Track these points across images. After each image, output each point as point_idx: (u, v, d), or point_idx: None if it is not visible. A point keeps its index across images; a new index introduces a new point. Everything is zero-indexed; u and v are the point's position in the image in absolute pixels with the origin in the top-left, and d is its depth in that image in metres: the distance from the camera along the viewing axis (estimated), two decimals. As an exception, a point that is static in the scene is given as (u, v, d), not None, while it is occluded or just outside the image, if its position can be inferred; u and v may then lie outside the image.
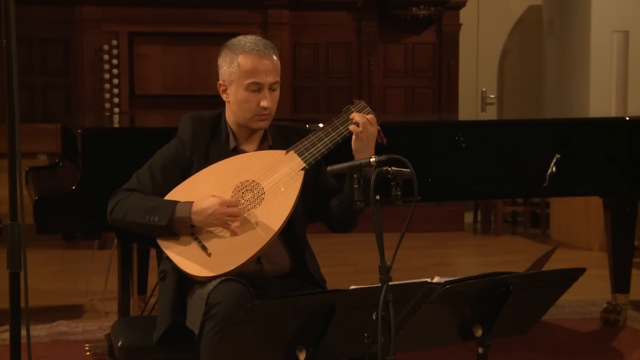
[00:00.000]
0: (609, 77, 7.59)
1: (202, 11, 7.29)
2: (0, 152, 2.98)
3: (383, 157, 2.56)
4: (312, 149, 2.90)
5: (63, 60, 7.36)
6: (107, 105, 7.14)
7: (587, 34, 7.53)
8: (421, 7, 7.58)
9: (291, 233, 2.93)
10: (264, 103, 2.87)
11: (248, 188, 2.85)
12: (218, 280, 2.72)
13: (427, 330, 2.46)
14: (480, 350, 2.53)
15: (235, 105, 2.91)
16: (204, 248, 2.77)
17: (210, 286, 2.70)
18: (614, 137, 4.38)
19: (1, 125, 2.90)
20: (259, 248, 2.77)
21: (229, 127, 2.97)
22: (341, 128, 2.92)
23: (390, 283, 2.25)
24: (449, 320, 2.50)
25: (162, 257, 2.99)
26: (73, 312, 4.98)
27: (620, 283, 4.60)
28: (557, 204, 7.44)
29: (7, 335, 3.11)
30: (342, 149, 2.91)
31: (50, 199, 3.58)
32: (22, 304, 2.44)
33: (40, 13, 7.18)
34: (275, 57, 2.90)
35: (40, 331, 4.49)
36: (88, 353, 4.08)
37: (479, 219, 8.19)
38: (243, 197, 2.84)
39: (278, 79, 2.91)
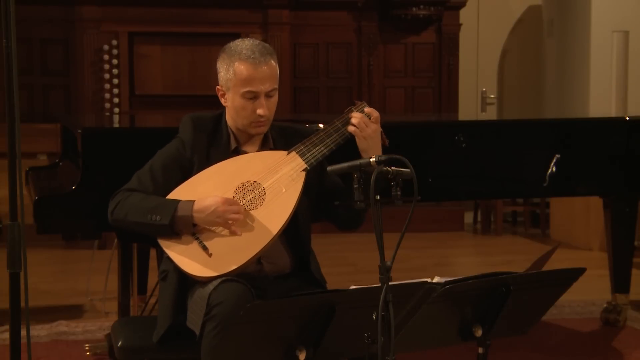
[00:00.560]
0: (609, 77, 7.59)
1: (202, 11, 7.29)
2: (0, 152, 2.98)
3: (383, 157, 2.56)
4: (314, 150, 2.89)
5: (63, 60, 7.36)
6: (107, 105, 7.14)
7: (587, 34, 7.53)
8: (421, 7, 7.58)
9: (294, 234, 2.93)
10: (259, 111, 2.86)
11: (249, 189, 2.85)
12: (219, 280, 2.71)
13: (427, 330, 2.46)
14: (480, 350, 2.53)
15: (233, 111, 2.91)
16: (204, 248, 2.77)
17: (211, 286, 2.70)
18: (614, 137, 4.37)
19: (1, 125, 2.90)
20: (260, 249, 2.77)
21: (230, 128, 2.97)
22: (343, 129, 2.91)
23: (390, 283, 2.25)
24: (449, 320, 2.50)
25: (162, 257, 2.99)
26: (73, 312, 4.98)
27: (620, 283, 4.60)
28: (557, 204, 7.44)
29: (7, 335, 3.11)
30: (347, 149, 2.90)
31: (50, 199, 3.58)
32: (22, 304, 2.44)
33: (40, 13, 7.18)
34: (273, 63, 2.87)
35: (40, 331, 4.49)
36: (88, 353, 4.08)
37: (479, 219, 8.19)
38: (244, 198, 2.83)
39: (275, 86, 2.89)
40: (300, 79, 7.69)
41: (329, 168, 2.72)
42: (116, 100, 7.15)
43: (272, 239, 2.78)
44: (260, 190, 2.84)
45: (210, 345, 2.64)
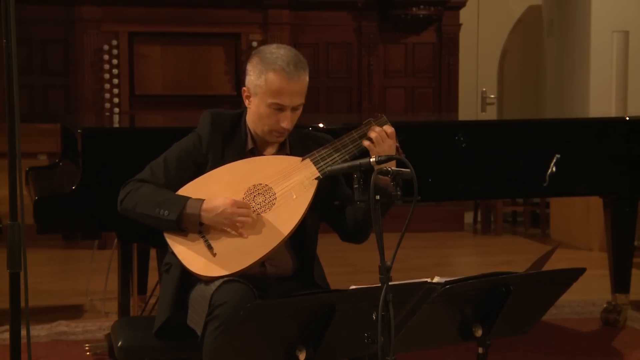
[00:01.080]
0: (609, 77, 7.59)
1: (202, 11, 7.28)
2: (0, 152, 2.98)
3: (383, 157, 2.56)
4: (328, 159, 2.87)
5: (63, 60, 7.36)
6: (107, 105, 7.14)
7: (587, 34, 7.53)
8: (421, 7, 7.58)
9: (300, 240, 2.92)
10: (284, 124, 2.85)
11: (260, 191, 2.84)
12: (221, 280, 2.71)
13: (427, 330, 2.46)
14: (480, 350, 2.53)
15: (256, 116, 2.89)
16: (209, 247, 2.77)
17: (213, 287, 2.70)
18: (614, 137, 4.37)
19: (1, 125, 2.90)
20: (264, 253, 2.76)
21: (249, 129, 2.95)
22: (359, 140, 2.88)
23: (390, 283, 2.25)
24: (449, 320, 2.50)
25: (162, 257, 2.99)
26: (73, 312, 4.98)
27: (620, 283, 4.60)
28: (557, 204, 7.44)
29: (7, 335, 3.11)
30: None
31: (50, 199, 3.58)
32: (22, 304, 2.44)
33: (40, 13, 7.18)
34: (305, 78, 2.85)
35: (40, 331, 4.49)
36: (88, 353, 4.08)
37: (479, 219, 8.20)
38: (254, 200, 2.83)
39: (303, 101, 2.88)
40: (300, 79, 7.68)
41: (328, 168, 2.72)
42: (116, 100, 7.15)
43: (277, 245, 2.77)
44: (271, 194, 2.83)
45: (213, 346, 2.63)
